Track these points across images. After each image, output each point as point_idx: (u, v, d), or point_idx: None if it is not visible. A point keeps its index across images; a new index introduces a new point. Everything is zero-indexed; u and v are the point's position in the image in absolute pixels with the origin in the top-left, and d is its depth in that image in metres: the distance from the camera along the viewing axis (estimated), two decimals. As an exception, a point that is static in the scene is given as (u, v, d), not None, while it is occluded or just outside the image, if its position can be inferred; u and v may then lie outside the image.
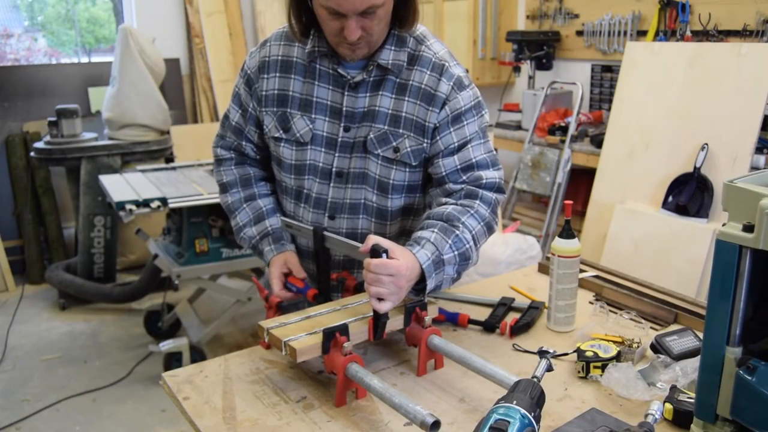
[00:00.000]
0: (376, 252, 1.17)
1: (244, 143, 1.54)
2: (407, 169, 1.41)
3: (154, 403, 2.99)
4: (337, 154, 1.43)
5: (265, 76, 1.45)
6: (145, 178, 3.51)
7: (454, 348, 1.19)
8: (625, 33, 3.76)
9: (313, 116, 1.42)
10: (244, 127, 1.52)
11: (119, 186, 3.32)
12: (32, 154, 4.08)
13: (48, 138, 4.06)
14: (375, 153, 1.40)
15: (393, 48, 1.38)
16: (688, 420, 1.01)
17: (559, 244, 1.40)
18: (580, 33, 4.04)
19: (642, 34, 3.69)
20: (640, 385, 1.15)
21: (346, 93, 1.40)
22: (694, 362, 1.18)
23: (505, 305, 1.52)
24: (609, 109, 3.30)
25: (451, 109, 1.38)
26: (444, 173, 1.39)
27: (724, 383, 0.92)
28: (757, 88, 2.51)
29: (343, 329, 1.17)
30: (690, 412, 1.01)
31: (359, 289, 1.43)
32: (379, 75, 1.39)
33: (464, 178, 1.39)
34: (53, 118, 4.02)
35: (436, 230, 1.30)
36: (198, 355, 3.13)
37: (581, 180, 3.72)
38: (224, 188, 1.59)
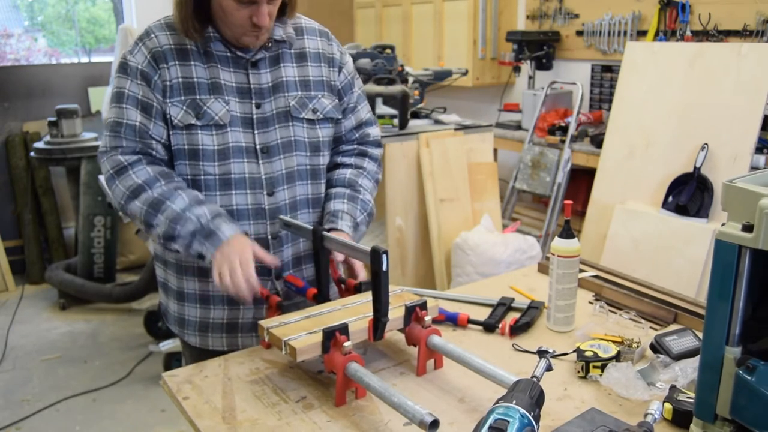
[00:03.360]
0: (376, 253, 1.16)
1: (153, 143, 1.40)
2: (331, 125, 1.55)
3: (154, 403, 2.99)
4: (256, 132, 1.45)
5: (165, 65, 1.39)
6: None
7: (453, 348, 1.19)
8: (625, 33, 3.76)
9: (226, 98, 1.43)
10: (150, 127, 1.40)
11: (119, 186, 3.32)
12: (32, 154, 4.08)
13: (48, 138, 4.06)
14: (299, 117, 1.48)
15: (279, 25, 1.46)
16: (687, 420, 1.01)
17: (559, 244, 1.40)
18: (580, 33, 4.04)
19: (642, 34, 3.69)
20: (640, 384, 1.15)
21: (249, 72, 1.45)
22: (694, 362, 1.18)
23: (504, 305, 1.52)
24: (609, 109, 3.30)
25: (347, 72, 1.58)
26: (342, 132, 1.59)
27: (724, 383, 0.92)
28: (757, 88, 2.51)
29: (343, 329, 1.17)
30: (689, 412, 1.01)
31: (359, 289, 1.43)
32: (274, 50, 1.46)
33: (356, 135, 1.62)
34: (53, 118, 4.03)
35: (345, 201, 1.51)
36: (198, 355, 3.13)
37: (581, 180, 3.72)
38: (140, 190, 1.37)
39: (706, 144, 2.60)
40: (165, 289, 1.56)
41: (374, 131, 1.65)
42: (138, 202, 1.37)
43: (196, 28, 1.37)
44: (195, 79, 1.41)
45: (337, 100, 1.55)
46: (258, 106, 1.45)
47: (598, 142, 3.44)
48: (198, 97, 1.40)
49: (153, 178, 1.38)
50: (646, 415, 1.01)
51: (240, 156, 1.43)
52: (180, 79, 1.40)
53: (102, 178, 1.39)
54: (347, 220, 1.48)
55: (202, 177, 1.42)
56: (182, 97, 1.40)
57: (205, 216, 1.35)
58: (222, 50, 1.42)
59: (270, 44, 1.44)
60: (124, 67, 1.41)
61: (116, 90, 1.42)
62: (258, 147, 1.44)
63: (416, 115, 3.28)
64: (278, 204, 1.47)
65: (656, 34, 3.58)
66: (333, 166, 1.60)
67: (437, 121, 3.28)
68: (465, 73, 3.66)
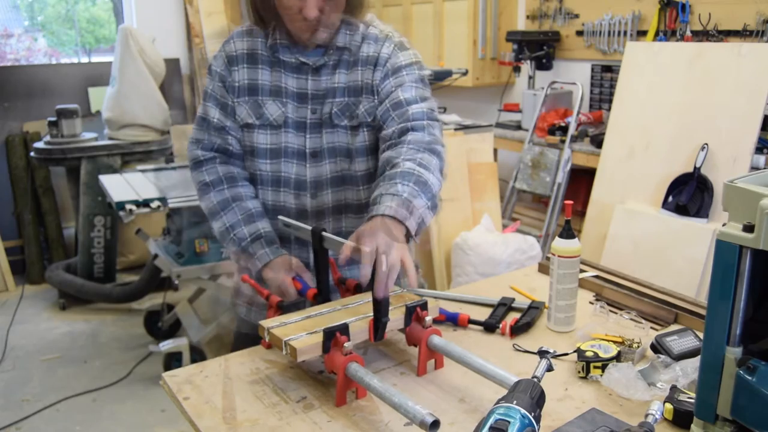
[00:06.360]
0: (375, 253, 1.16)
1: (229, 138, 1.55)
2: (366, 130, 1.50)
3: (154, 403, 2.99)
4: (308, 136, 1.51)
5: (235, 68, 1.53)
6: (145, 178, 3.51)
7: (454, 348, 1.19)
8: (625, 33, 3.76)
9: (284, 100, 1.51)
10: (226, 123, 1.54)
11: (119, 186, 3.32)
12: (32, 154, 4.08)
13: (48, 138, 4.06)
14: (342, 125, 1.50)
15: (347, 32, 1.50)
16: (688, 420, 1.01)
17: (559, 244, 1.40)
18: (580, 33, 4.04)
19: (642, 34, 3.69)
20: (641, 385, 1.15)
21: (310, 78, 1.50)
22: (695, 362, 1.18)
23: (505, 305, 1.52)
24: (609, 109, 3.30)
25: (391, 65, 1.49)
26: (379, 116, 1.48)
27: (725, 383, 0.92)
28: (757, 88, 2.51)
29: (344, 329, 1.17)
30: (690, 412, 1.01)
31: (359, 289, 1.43)
32: (335, 57, 1.49)
33: (393, 116, 1.45)
34: (53, 118, 4.02)
35: (382, 183, 1.34)
36: (198, 355, 3.13)
37: (581, 180, 3.72)
38: (207, 188, 1.54)
39: (706, 144, 2.60)
40: None
41: (417, 107, 1.45)
42: (203, 202, 1.56)
43: (260, 16, 1.48)
44: (259, 82, 1.52)
45: (375, 100, 1.49)
46: (314, 112, 1.50)
47: (598, 142, 3.44)
48: (260, 98, 1.52)
49: (218, 180, 1.53)
50: (646, 415, 1.01)
51: (291, 157, 1.52)
52: (246, 81, 1.52)
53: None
54: (387, 202, 1.26)
55: (258, 173, 1.55)
56: (246, 98, 1.52)
57: (245, 239, 1.49)
58: (288, 57, 1.50)
59: (332, 51, 1.48)
60: (209, 70, 1.58)
61: (204, 89, 1.59)
62: (308, 150, 1.51)
63: (416, 115, 3.27)
64: (322, 207, 1.54)
65: (656, 34, 3.58)
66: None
67: (437, 121, 3.27)
68: (465, 73, 3.67)
